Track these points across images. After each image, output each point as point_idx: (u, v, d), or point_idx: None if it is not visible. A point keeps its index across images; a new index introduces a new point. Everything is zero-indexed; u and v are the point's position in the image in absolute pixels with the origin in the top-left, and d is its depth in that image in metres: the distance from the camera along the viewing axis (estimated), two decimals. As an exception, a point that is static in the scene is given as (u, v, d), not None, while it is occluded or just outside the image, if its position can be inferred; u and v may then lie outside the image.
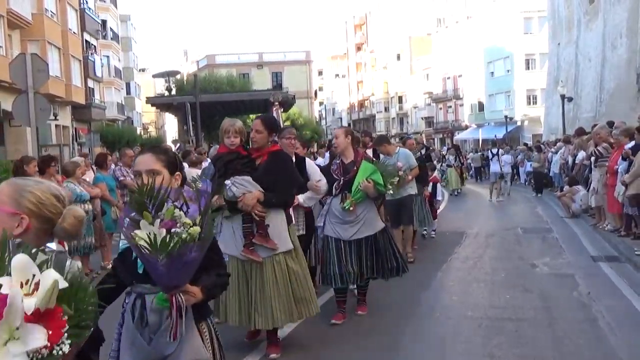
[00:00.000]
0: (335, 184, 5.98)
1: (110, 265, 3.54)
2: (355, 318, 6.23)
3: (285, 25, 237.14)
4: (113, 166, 11.22)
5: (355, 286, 6.60)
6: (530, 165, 22.96)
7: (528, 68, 49.12)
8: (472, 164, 32.13)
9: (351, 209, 5.84)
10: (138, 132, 51.71)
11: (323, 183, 5.90)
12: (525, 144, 33.83)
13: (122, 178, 9.83)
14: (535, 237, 11.41)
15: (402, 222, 9.02)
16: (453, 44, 58.44)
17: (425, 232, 11.28)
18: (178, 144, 16.66)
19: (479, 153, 33.74)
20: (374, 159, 6.10)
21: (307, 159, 6.14)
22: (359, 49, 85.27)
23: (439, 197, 11.73)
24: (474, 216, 15.61)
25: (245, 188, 4.72)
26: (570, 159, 15.88)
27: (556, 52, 32.53)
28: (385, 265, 6.10)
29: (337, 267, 5.92)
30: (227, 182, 4.68)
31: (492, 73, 52.73)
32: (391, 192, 6.14)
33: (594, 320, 5.96)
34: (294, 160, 5.74)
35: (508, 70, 50.31)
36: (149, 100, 31.57)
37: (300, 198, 5.76)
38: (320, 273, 6.11)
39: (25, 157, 8.93)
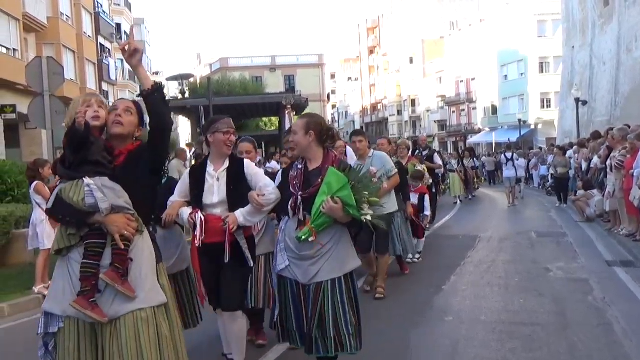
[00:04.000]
0: (291, 201, 4.08)
1: None
2: (365, 320, 6.20)
3: (298, 28, 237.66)
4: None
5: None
6: (547, 168, 22.61)
7: (542, 71, 48.92)
8: (486, 168, 31.85)
9: (311, 239, 3.92)
10: (151, 134, 51.88)
11: (270, 191, 4.27)
12: (540, 148, 33.67)
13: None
14: (549, 241, 11.33)
15: (377, 248, 7.34)
16: (466, 47, 58.29)
17: (409, 258, 9.10)
18: (194, 148, 16.70)
19: (492, 157, 33.61)
20: (350, 166, 4.15)
21: (246, 161, 4.62)
22: (371, 52, 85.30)
23: (426, 212, 9.63)
24: (487, 220, 15.54)
25: (116, 198, 3.20)
26: (584, 163, 15.78)
27: (570, 55, 32.34)
28: (327, 332, 3.98)
29: (296, 321, 4.15)
30: (88, 182, 3.16)
31: (506, 76, 52.54)
32: (368, 217, 3.92)
33: (608, 325, 5.90)
34: (227, 163, 4.50)
35: (522, 74, 50.12)
36: (163, 103, 31.55)
37: (239, 216, 4.31)
38: (278, 325, 4.24)
39: (39, 160, 8.97)
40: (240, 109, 29.78)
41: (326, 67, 67.28)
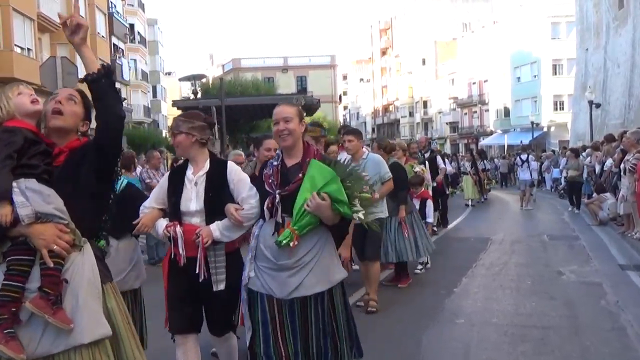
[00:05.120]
0: (267, 201, 3.53)
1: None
2: (377, 322, 6.20)
3: (310, 29, 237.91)
4: (140, 168, 11.30)
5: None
6: (559, 171, 22.42)
7: (555, 73, 48.66)
8: (499, 170, 31.66)
9: (292, 245, 3.36)
10: (164, 134, 52.20)
11: (252, 204, 3.65)
12: (552, 151, 33.50)
13: (148, 180, 9.88)
14: (561, 245, 11.27)
15: (366, 255, 6.72)
16: (479, 49, 58.10)
17: (419, 268, 8.70)
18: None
19: (506, 159, 33.46)
20: (335, 160, 3.77)
21: (230, 163, 4.02)
22: (384, 53, 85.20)
23: (429, 219, 9.00)
24: (499, 222, 15.47)
25: (43, 204, 2.59)
26: (598, 166, 15.67)
27: (584, 57, 32.15)
28: (333, 347, 3.52)
29: (265, 346, 3.47)
30: (16, 185, 2.58)
31: (519, 78, 52.31)
32: (361, 216, 3.45)
33: (621, 329, 5.85)
34: (208, 166, 3.93)
35: (535, 76, 49.88)
36: (175, 104, 31.82)
37: (215, 230, 3.73)
38: (248, 349, 3.60)
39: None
40: (252, 109, 29.83)
41: (338, 68, 67.28)
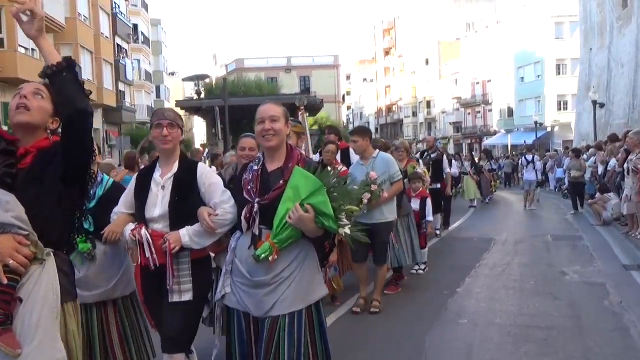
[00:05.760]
0: (245, 211, 3.21)
1: None
2: (379, 323, 6.20)
3: (313, 29, 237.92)
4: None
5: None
6: (563, 172, 22.32)
7: (559, 73, 48.58)
8: (503, 170, 31.57)
9: (271, 259, 3.06)
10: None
11: (227, 210, 3.36)
12: (556, 150, 33.44)
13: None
14: (565, 245, 11.25)
15: (375, 258, 6.65)
16: (482, 49, 58.04)
17: (415, 270, 8.61)
18: (207, 149, 16.77)
19: (510, 159, 33.39)
20: (320, 167, 3.29)
21: (200, 165, 3.69)
22: (387, 53, 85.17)
23: (429, 218, 8.74)
24: (502, 223, 15.45)
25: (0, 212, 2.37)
26: (601, 167, 15.64)
27: (588, 57, 32.09)
28: None
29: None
30: None
31: (522, 78, 52.23)
32: (347, 231, 3.12)
33: (625, 330, 5.84)
34: (176, 167, 3.59)
35: (539, 76, 49.80)
36: (179, 104, 31.94)
37: (185, 236, 3.39)
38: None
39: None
40: (255, 109, 29.77)
41: (341, 68, 67.25)
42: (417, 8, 71.85)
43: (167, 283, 3.39)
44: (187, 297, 3.42)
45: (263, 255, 3.04)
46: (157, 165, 3.65)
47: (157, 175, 3.59)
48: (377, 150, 6.73)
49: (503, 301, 7.10)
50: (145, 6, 48.74)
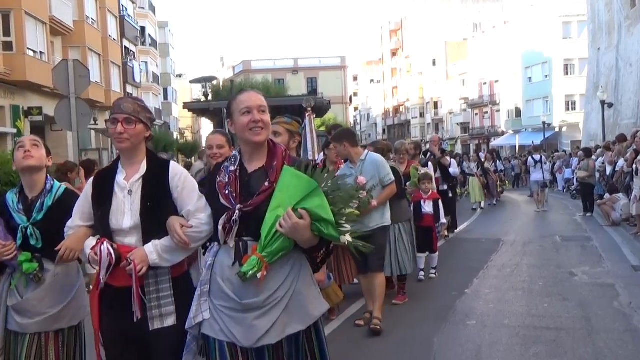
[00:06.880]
0: (223, 218, 2.68)
1: None
2: (387, 324, 6.19)
3: (320, 31, 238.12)
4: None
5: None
6: (572, 172, 22.16)
7: (567, 73, 48.44)
8: (513, 171, 31.43)
9: (259, 276, 2.56)
10: (175, 136, 52.52)
11: (202, 220, 2.84)
12: (564, 151, 33.33)
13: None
14: (574, 246, 11.20)
15: (369, 266, 5.95)
16: (489, 49, 57.92)
17: (422, 276, 8.32)
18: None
19: (517, 160, 33.30)
20: (310, 165, 2.73)
21: (172, 164, 3.07)
22: (394, 54, 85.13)
23: (442, 220, 8.40)
24: (510, 223, 15.40)
25: None
26: (609, 167, 15.57)
27: (596, 57, 31.97)
28: None
29: None
30: None
31: (530, 78, 52.10)
32: (349, 238, 2.65)
33: (635, 331, 5.81)
34: (144, 168, 3.01)
35: (546, 76, 49.66)
36: (186, 106, 31.92)
37: (152, 253, 2.83)
38: None
39: (68, 163, 9.06)
40: (262, 111, 29.96)
41: (348, 69, 67.28)
42: (424, 9, 71.79)
43: (134, 312, 2.80)
44: (170, 321, 2.87)
45: (250, 272, 2.54)
46: (119, 166, 3.03)
47: (120, 178, 2.98)
48: (366, 151, 6.20)
49: (512, 302, 7.08)
50: (152, 9, 48.94)
